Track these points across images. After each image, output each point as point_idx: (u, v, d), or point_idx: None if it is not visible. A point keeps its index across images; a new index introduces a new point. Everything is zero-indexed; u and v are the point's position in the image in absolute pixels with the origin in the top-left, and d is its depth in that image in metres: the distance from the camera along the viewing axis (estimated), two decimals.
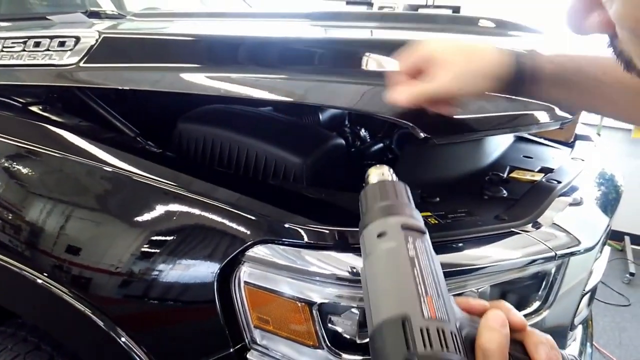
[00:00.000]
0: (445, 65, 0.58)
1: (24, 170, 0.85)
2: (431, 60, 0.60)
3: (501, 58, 0.59)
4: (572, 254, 0.79)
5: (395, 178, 0.52)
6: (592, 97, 0.61)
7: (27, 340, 0.92)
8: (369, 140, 1.36)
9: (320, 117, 1.29)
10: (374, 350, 0.37)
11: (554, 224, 0.81)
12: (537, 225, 0.79)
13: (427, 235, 0.46)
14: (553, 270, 0.80)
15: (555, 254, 0.76)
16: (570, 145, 1.24)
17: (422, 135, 0.61)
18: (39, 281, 0.81)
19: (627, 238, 3.14)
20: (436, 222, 0.74)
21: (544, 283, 0.80)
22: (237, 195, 0.72)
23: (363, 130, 1.40)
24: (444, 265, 0.67)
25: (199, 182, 0.75)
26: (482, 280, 0.72)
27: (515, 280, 0.78)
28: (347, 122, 1.42)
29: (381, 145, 1.30)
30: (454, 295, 0.71)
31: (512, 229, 0.76)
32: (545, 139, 1.27)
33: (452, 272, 0.69)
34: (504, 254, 0.73)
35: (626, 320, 2.44)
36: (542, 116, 0.77)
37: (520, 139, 1.24)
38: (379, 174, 0.52)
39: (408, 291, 0.38)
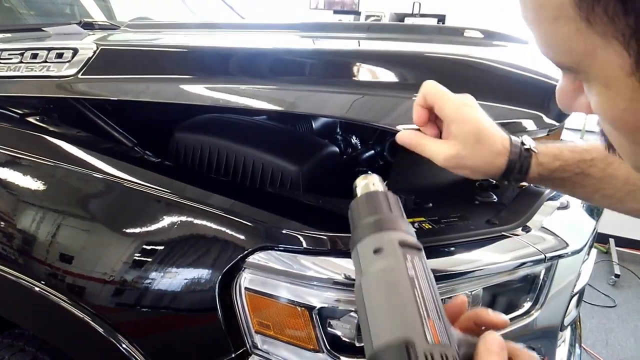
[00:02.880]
0: (453, 142, 0.61)
1: (23, 181, 0.86)
2: (445, 122, 0.62)
3: (501, 162, 0.62)
4: (561, 256, 0.82)
5: (385, 188, 0.49)
6: (571, 188, 0.66)
7: (24, 351, 0.92)
8: (360, 147, 1.39)
9: (313, 125, 1.32)
10: None
11: (543, 227, 0.84)
12: (526, 229, 0.82)
13: (423, 252, 0.44)
14: (542, 272, 0.83)
15: (545, 256, 0.79)
16: None
17: None
18: (37, 289, 0.81)
19: (611, 240, 3.20)
20: (430, 227, 0.77)
21: (534, 285, 0.83)
22: (237, 203, 0.74)
23: (354, 137, 1.42)
24: (438, 270, 0.70)
25: (199, 190, 0.77)
26: (475, 283, 0.75)
27: (507, 283, 0.80)
28: (338, 130, 1.45)
29: (372, 152, 1.32)
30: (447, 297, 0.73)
31: (503, 233, 0.79)
32: None
33: (446, 276, 0.71)
34: (495, 257, 0.76)
35: (612, 321, 2.48)
36: (530, 124, 0.80)
37: None
38: (368, 184, 0.48)
39: (410, 314, 0.37)
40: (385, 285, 0.40)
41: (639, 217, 0.65)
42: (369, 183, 0.48)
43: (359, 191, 0.48)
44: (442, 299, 0.62)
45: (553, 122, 0.85)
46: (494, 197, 0.90)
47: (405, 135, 0.65)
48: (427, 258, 0.70)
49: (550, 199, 0.91)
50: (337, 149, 1.04)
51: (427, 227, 0.77)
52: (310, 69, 0.92)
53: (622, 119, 0.29)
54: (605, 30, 0.26)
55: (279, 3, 4.28)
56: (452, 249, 0.74)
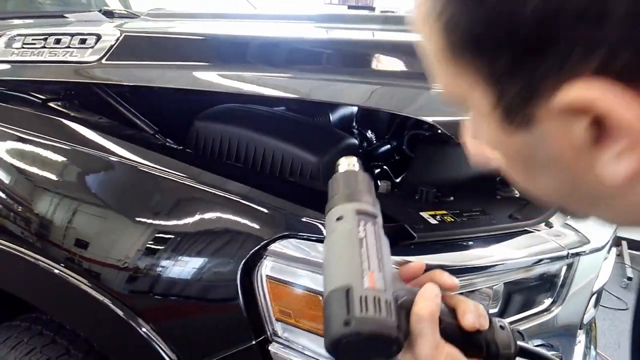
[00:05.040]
0: None
1: (44, 165, 0.86)
2: None
3: None
4: (583, 252, 0.81)
5: (360, 168, 0.58)
6: None
7: (42, 334, 0.93)
8: (376, 142, 1.38)
9: (330, 118, 1.31)
10: (324, 315, 0.44)
11: (566, 223, 0.83)
12: (549, 225, 0.81)
13: (379, 219, 0.51)
14: (564, 268, 0.82)
15: (568, 252, 0.78)
16: None
17: (446, 133, 0.63)
18: (56, 271, 0.82)
19: (624, 243, 3.17)
20: (452, 220, 0.76)
21: (555, 281, 0.82)
22: (258, 191, 0.74)
23: (369, 132, 1.41)
24: (460, 264, 0.70)
25: (220, 177, 0.77)
26: (497, 277, 0.74)
27: (528, 278, 0.79)
28: (354, 124, 1.44)
29: (388, 146, 1.31)
30: (470, 291, 0.73)
31: (526, 228, 0.78)
32: None
33: (468, 269, 0.70)
34: (517, 252, 0.75)
35: (624, 324, 2.46)
36: None
37: None
38: (347, 164, 0.57)
39: (354, 266, 0.45)
40: (340, 244, 0.48)
41: None
42: (348, 163, 0.57)
43: (339, 169, 0.57)
44: (464, 292, 0.64)
45: None
46: (515, 192, 0.89)
47: None
48: (449, 252, 0.71)
49: None
50: (356, 141, 1.03)
51: (449, 220, 0.76)
52: (328, 58, 0.92)
53: (498, 145, 0.34)
54: (469, 74, 0.31)
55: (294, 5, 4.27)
56: (475, 242, 0.74)
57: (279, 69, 0.88)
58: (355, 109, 1.42)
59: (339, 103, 1.02)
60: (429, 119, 0.67)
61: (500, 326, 0.48)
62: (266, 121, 1.00)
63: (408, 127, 1.22)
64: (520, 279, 0.78)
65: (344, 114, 1.39)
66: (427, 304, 0.45)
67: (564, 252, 0.78)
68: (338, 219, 0.50)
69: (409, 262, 0.54)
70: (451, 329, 0.46)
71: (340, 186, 0.54)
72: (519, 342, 0.48)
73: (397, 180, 1.11)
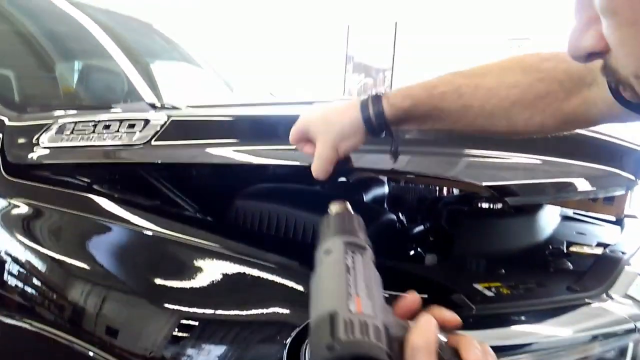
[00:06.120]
0: (317, 137, 0.67)
1: (91, 246, 0.86)
2: (308, 134, 0.68)
3: (355, 115, 0.65)
4: None
5: (350, 210, 0.59)
6: (433, 123, 0.66)
7: None
8: (408, 223, 1.37)
9: (364, 198, 1.31)
10: (309, 344, 0.42)
11: (627, 294, 0.78)
12: (610, 297, 0.76)
13: (369, 252, 0.50)
14: (632, 345, 0.76)
15: (635, 325, 0.73)
16: (619, 223, 1.22)
17: (500, 197, 0.62)
18: (90, 354, 0.78)
19: None
20: (508, 292, 0.73)
21: (624, 357, 0.76)
22: (299, 265, 0.73)
23: (401, 214, 1.41)
24: (530, 336, 0.66)
25: (258, 250, 0.76)
26: (563, 353, 0.69)
27: (594, 355, 0.74)
28: (386, 206, 1.44)
29: (422, 227, 1.30)
30: None
31: (586, 300, 0.74)
32: (591, 216, 1.26)
33: (536, 344, 0.66)
34: (581, 326, 0.71)
35: None
36: (604, 182, 0.78)
37: (568, 218, 1.24)
38: (339, 207, 0.59)
39: (340, 292, 0.43)
40: (326, 273, 0.47)
41: (507, 135, 0.69)
42: (339, 206, 0.59)
43: (330, 212, 0.59)
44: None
45: (620, 183, 0.83)
46: (569, 264, 0.86)
47: (316, 172, 0.68)
48: (510, 325, 0.67)
49: (629, 265, 0.86)
50: (394, 217, 1.02)
51: (505, 292, 0.73)
52: None
53: None
54: None
55: (314, 94, 4.51)
56: (535, 316, 0.70)
57: None
58: (386, 190, 1.43)
59: (374, 170, 1.02)
60: (481, 184, 0.66)
61: None
62: (304, 198, 1.00)
63: (443, 204, 1.21)
64: (587, 356, 0.72)
65: (375, 195, 1.40)
66: (424, 333, 0.41)
67: (631, 325, 0.73)
68: (327, 252, 0.50)
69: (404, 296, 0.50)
70: None
71: (330, 225, 0.55)
72: None
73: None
